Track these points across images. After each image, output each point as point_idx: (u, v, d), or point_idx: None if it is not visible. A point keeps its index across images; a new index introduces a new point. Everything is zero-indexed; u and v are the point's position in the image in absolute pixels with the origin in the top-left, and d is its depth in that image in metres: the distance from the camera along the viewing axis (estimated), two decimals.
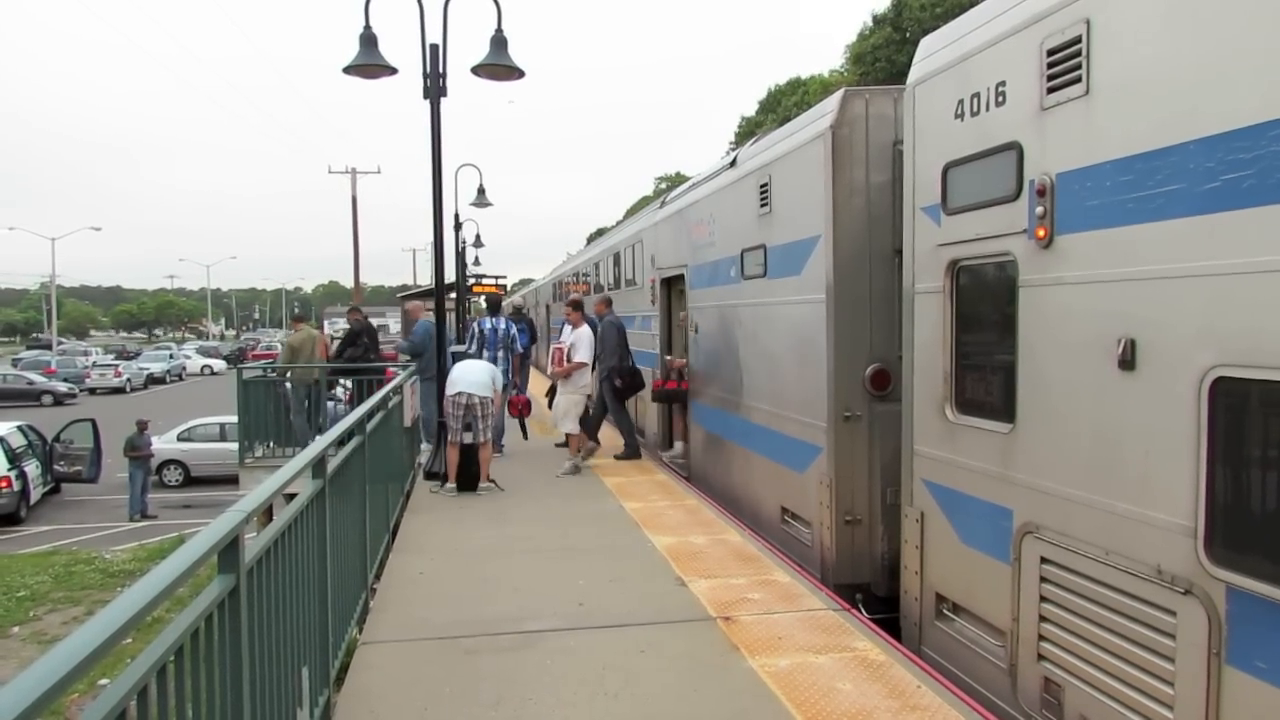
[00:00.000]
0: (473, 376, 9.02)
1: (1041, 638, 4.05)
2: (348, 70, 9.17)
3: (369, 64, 9.11)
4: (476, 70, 9.20)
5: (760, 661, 4.54)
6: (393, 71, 9.29)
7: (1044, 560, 4.03)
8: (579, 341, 9.92)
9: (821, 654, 4.64)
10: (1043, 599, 4.04)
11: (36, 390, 41.05)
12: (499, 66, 9.15)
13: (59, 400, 40.36)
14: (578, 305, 10.59)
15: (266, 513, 3.90)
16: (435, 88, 9.48)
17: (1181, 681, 3.25)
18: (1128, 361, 3.48)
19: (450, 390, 8.90)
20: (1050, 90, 3.91)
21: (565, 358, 9.95)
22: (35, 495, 19.52)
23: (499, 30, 9.13)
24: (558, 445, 11.20)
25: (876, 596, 6.09)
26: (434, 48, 9.43)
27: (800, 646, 4.74)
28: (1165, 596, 3.32)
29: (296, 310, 27.22)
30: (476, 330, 11.09)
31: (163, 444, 21.53)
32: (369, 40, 9.08)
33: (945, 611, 4.96)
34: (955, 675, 4.65)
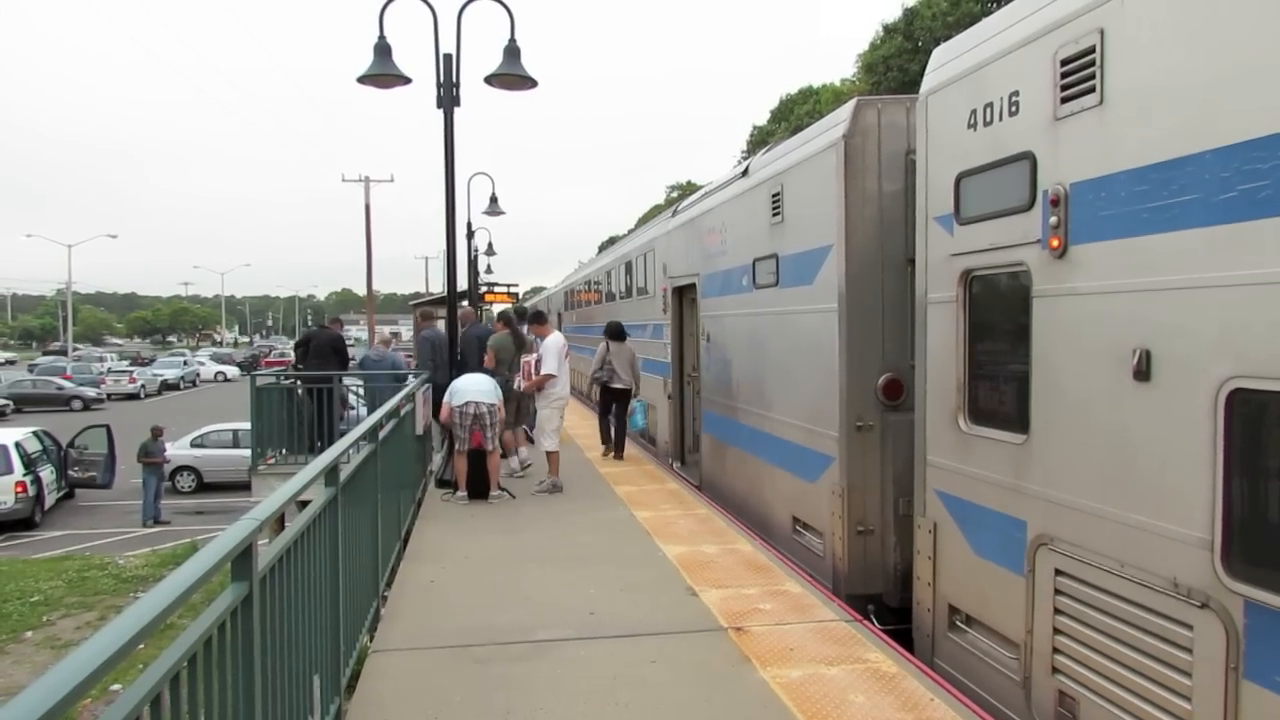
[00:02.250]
0: (478, 386, 9.05)
1: (1056, 650, 4.01)
2: (362, 80, 9.26)
3: (383, 74, 9.20)
4: (490, 80, 9.26)
5: (772, 673, 4.52)
6: (407, 81, 9.37)
7: (1058, 572, 4.00)
8: (545, 353, 9.60)
9: (833, 665, 4.62)
10: (1057, 611, 4.01)
11: (65, 395, 41.82)
12: (512, 76, 9.22)
13: (87, 405, 40.92)
14: (539, 317, 10.43)
15: (279, 520, 3.91)
16: (449, 97, 9.56)
17: (1199, 696, 3.21)
18: (1143, 372, 3.46)
19: (457, 400, 8.91)
20: (1064, 100, 3.90)
21: (533, 370, 9.62)
22: (50, 500, 19.66)
23: (512, 40, 9.19)
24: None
25: (889, 607, 6.06)
26: (448, 58, 9.50)
27: (812, 658, 4.72)
28: (1182, 610, 3.28)
29: (310, 317, 27.54)
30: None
31: (176, 450, 21.69)
32: (383, 50, 9.16)
33: (958, 623, 4.93)
34: (968, 688, 4.62)
